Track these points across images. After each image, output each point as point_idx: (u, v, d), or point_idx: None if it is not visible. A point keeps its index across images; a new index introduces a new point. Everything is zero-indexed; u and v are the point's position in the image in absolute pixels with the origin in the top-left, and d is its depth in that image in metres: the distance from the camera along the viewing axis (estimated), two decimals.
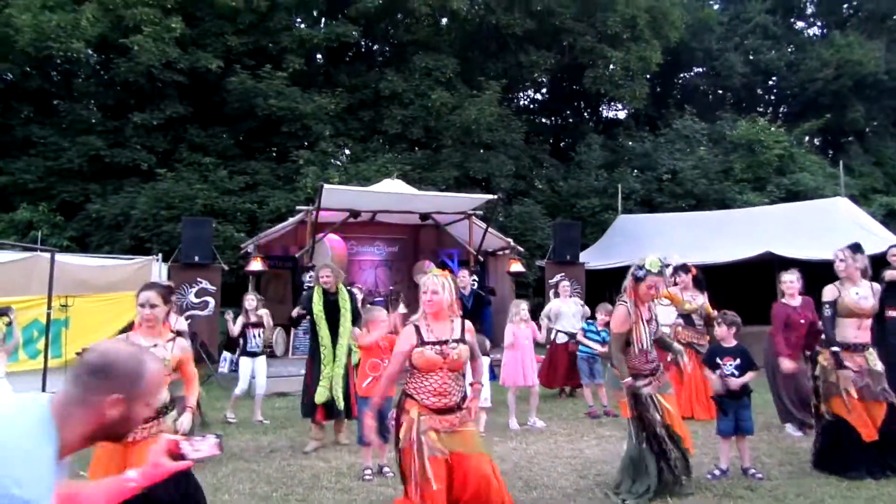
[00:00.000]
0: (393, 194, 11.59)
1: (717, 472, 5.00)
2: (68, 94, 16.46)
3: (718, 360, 5.10)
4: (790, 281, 6.26)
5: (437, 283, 3.70)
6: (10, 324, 8.11)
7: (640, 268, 4.57)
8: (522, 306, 7.41)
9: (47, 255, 8.23)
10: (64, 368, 9.14)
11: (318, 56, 19.27)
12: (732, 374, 5.01)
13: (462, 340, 3.71)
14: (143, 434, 3.50)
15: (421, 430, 3.55)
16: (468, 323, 3.89)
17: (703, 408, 7.06)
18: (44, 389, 7.64)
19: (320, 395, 6.02)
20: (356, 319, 6.12)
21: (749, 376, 5.00)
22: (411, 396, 3.68)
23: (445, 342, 3.62)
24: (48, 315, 7.99)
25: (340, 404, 6.02)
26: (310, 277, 10.94)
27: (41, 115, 15.91)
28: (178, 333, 4.02)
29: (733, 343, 5.21)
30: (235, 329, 7.73)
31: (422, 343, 3.63)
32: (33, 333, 8.79)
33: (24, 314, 8.58)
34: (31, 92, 16.02)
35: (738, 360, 5.05)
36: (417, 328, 3.69)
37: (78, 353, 9.27)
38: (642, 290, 4.55)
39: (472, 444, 3.63)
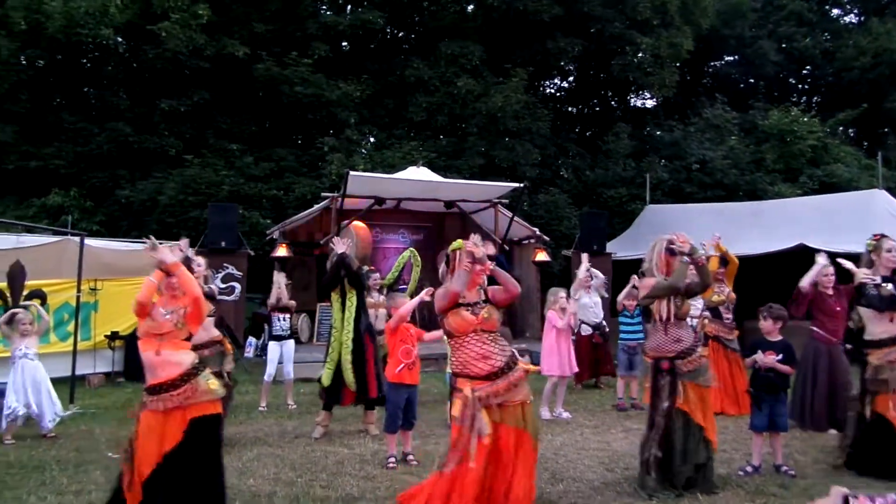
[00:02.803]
0: (418, 181, 11.53)
1: (748, 469, 4.88)
2: (98, 80, 16.62)
3: (761, 354, 4.95)
4: (831, 273, 6.15)
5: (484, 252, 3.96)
6: (43, 304, 8.26)
7: (673, 243, 4.53)
8: (560, 294, 7.26)
9: (77, 239, 8.31)
10: (93, 351, 9.30)
11: (344, 43, 19.19)
12: (771, 371, 4.86)
13: (487, 301, 3.91)
14: (177, 402, 3.49)
15: (476, 409, 3.68)
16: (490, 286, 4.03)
17: (732, 402, 6.93)
18: (73, 372, 7.76)
19: (326, 378, 6.07)
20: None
21: (783, 366, 4.86)
22: (460, 374, 3.84)
23: (476, 304, 3.85)
24: (78, 298, 8.08)
25: (352, 387, 5.97)
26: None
27: (71, 102, 16.09)
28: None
29: (779, 338, 5.03)
30: (274, 293, 7.74)
31: (457, 304, 3.83)
32: (63, 316, 8.92)
33: (55, 297, 8.71)
34: (61, 79, 16.21)
35: (780, 356, 4.87)
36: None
37: (106, 336, 9.42)
38: (676, 263, 4.49)
39: (515, 418, 3.76)
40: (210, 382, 3.64)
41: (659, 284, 4.48)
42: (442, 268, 4.17)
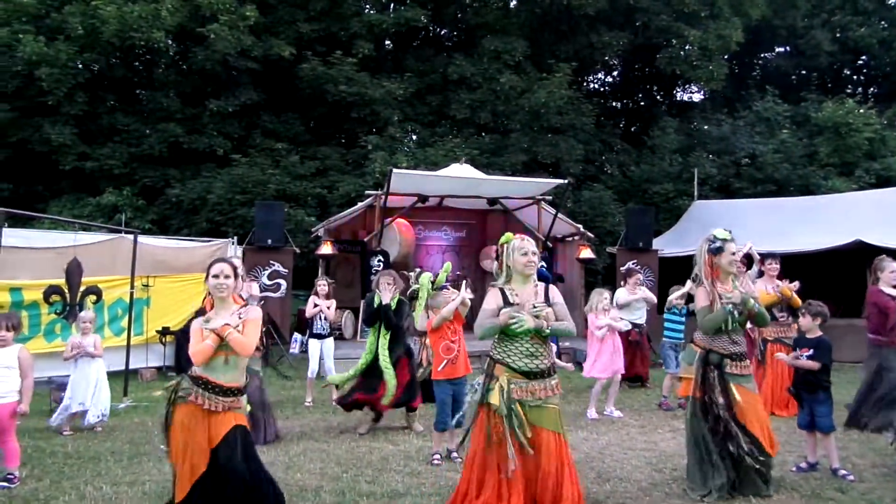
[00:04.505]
0: (461, 179, 11.51)
1: (803, 465, 4.82)
2: (149, 82, 17.10)
3: (797, 351, 4.93)
4: (893, 269, 5.90)
5: (534, 245, 3.80)
6: (98, 300, 8.54)
7: (714, 240, 4.37)
8: (605, 295, 7.20)
9: (131, 237, 8.56)
10: (145, 345, 9.59)
11: (387, 41, 19.31)
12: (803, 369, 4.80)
13: (547, 302, 3.73)
14: (223, 406, 3.57)
15: (511, 401, 3.59)
16: (553, 287, 3.89)
17: (784, 404, 6.74)
18: (127, 365, 8.00)
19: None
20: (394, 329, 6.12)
21: (807, 362, 4.75)
22: (500, 362, 3.71)
23: (527, 303, 3.66)
24: (131, 294, 8.31)
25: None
26: (378, 262, 11.04)
27: (124, 104, 16.60)
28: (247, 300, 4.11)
29: (817, 334, 4.92)
30: (309, 310, 7.84)
31: (507, 305, 3.67)
32: (117, 312, 9.20)
33: (110, 293, 8.99)
34: (115, 81, 16.73)
35: (811, 351, 4.80)
36: (503, 290, 3.74)
37: (158, 332, 9.69)
38: (724, 261, 4.31)
39: (553, 422, 3.67)
40: (246, 403, 3.79)
41: (699, 319, 4.35)
42: (493, 264, 4.11)
